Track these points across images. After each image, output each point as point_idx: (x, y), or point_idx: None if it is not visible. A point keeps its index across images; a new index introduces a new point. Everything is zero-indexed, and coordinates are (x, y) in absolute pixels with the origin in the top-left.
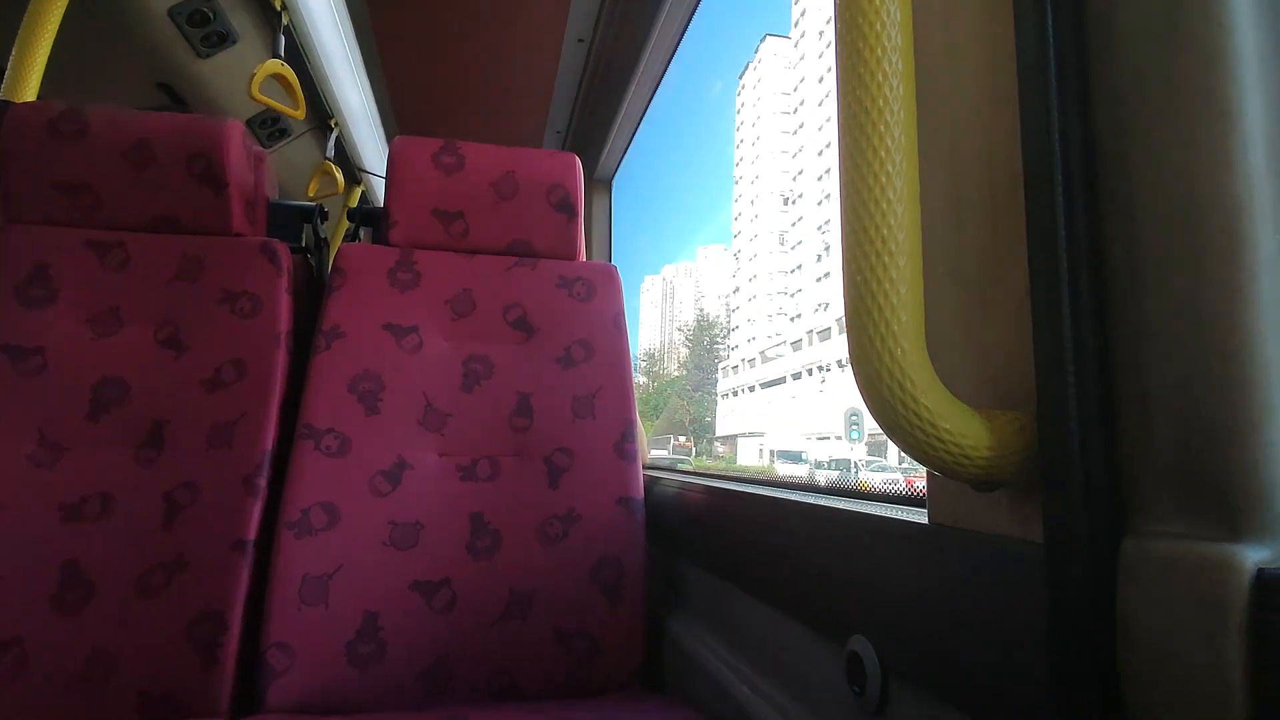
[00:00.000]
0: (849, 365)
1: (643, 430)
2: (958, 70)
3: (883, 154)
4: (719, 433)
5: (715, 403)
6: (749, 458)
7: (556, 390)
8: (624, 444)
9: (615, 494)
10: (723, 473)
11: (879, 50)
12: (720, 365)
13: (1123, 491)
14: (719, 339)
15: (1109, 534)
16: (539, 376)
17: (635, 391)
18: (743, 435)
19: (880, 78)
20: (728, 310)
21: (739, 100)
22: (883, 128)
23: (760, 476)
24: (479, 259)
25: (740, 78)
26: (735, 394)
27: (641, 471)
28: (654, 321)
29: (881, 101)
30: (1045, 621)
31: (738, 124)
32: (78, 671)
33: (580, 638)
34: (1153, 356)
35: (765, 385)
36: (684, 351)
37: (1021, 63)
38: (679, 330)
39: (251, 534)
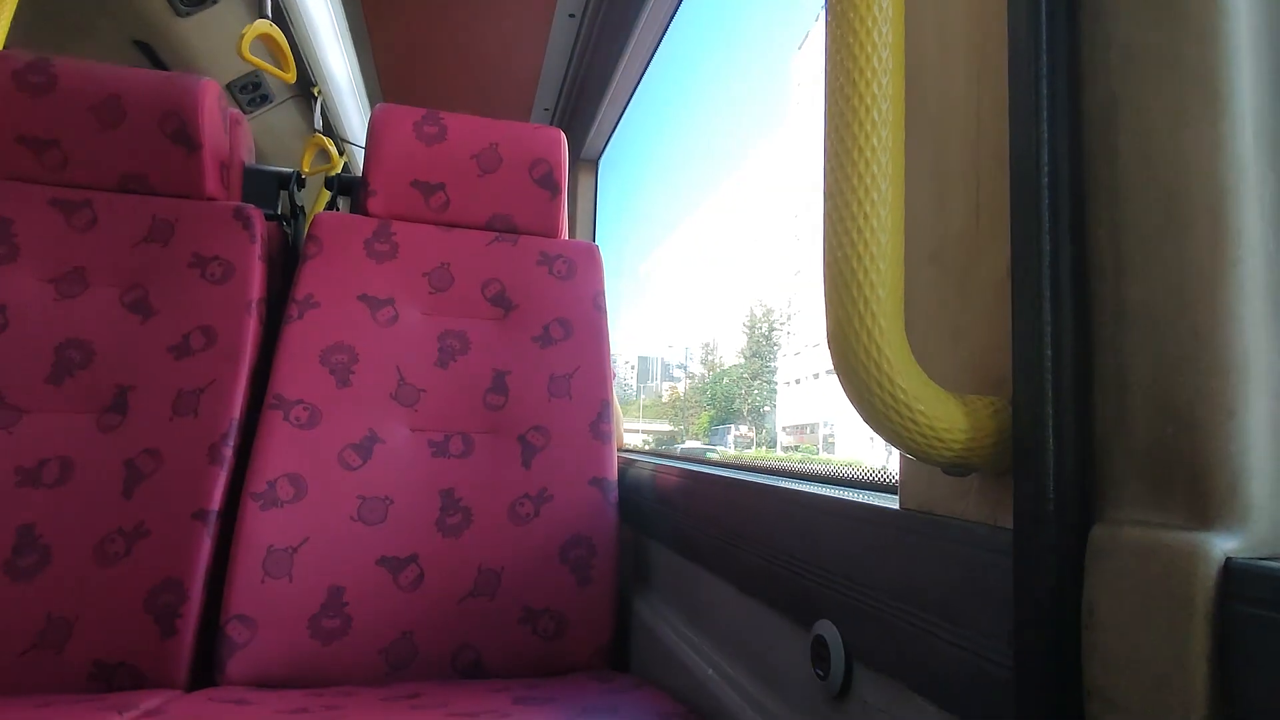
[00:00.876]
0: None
1: (619, 412)
2: (947, 46)
3: (868, 127)
4: (783, 422)
5: (774, 391)
6: (852, 449)
7: (533, 368)
8: (599, 424)
9: (588, 474)
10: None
11: (869, 23)
12: (779, 353)
13: (1095, 477)
14: (777, 325)
15: (1078, 520)
16: (516, 354)
17: (692, 382)
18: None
19: (869, 50)
20: (788, 296)
21: (795, 77)
22: (869, 101)
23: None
24: (458, 232)
25: (799, 48)
26: (798, 381)
27: (616, 453)
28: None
29: (870, 74)
30: (1011, 607)
31: (795, 100)
32: (31, 638)
33: (547, 616)
34: (1131, 341)
35: (830, 371)
36: (740, 339)
37: (1012, 40)
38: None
39: (215, 504)
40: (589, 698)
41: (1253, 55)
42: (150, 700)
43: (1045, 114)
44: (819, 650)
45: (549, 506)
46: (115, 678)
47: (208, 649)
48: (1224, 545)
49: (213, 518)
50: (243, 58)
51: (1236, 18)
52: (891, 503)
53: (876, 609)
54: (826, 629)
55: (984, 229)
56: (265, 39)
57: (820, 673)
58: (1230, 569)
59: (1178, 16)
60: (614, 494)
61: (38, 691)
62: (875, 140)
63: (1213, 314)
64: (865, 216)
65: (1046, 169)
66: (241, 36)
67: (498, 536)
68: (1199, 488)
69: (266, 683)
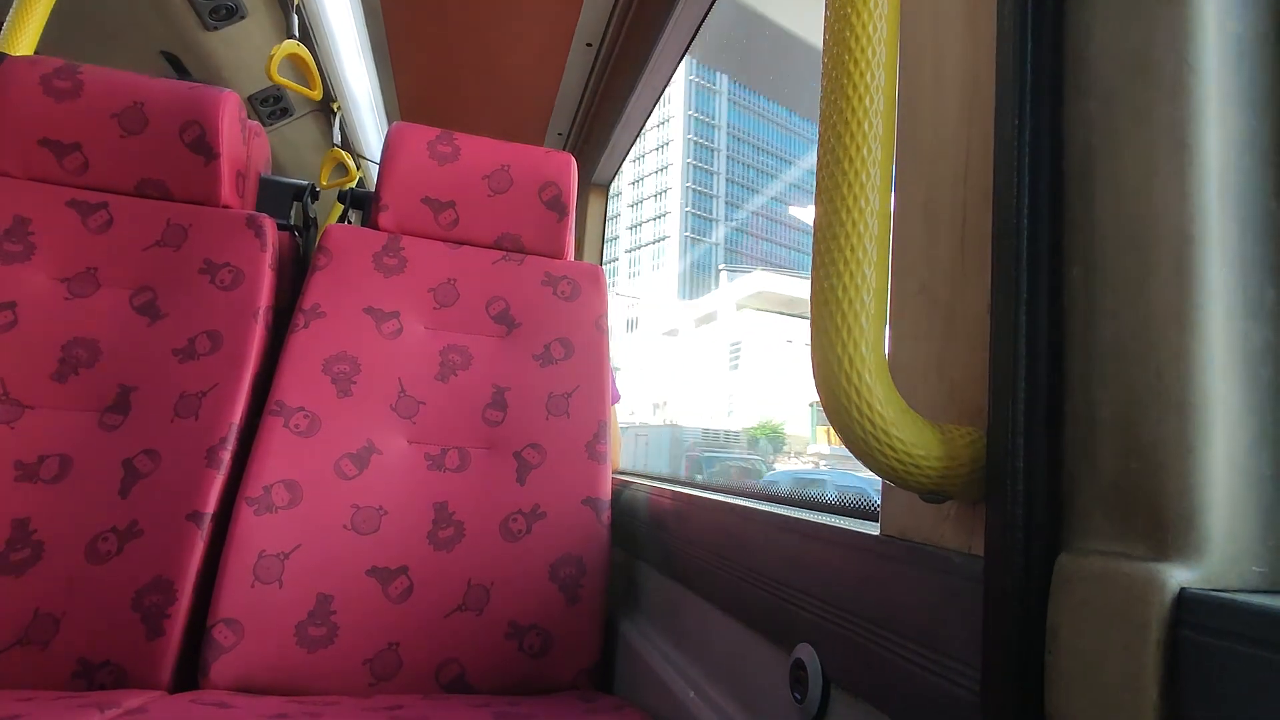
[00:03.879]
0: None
1: (618, 432)
2: (942, 91)
3: (858, 165)
4: None
5: None
6: None
7: (533, 386)
8: (595, 444)
9: (582, 493)
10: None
11: (863, 65)
12: None
13: (1062, 508)
14: None
15: (1045, 549)
16: (516, 371)
17: None
18: None
19: (862, 91)
20: None
21: None
22: (860, 138)
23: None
24: (466, 250)
25: None
26: None
27: (611, 474)
28: None
29: (862, 113)
30: (980, 633)
31: None
32: (16, 633)
33: (534, 633)
34: (1099, 378)
35: None
36: None
37: (999, 87)
38: None
39: (209, 506)
40: (570, 717)
41: (1220, 111)
42: (132, 700)
43: (1028, 159)
44: (797, 674)
45: (542, 524)
46: (98, 676)
47: (193, 651)
48: (1180, 576)
49: (206, 520)
50: (271, 78)
51: (1207, 75)
52: (873, 529)
53: (854, 633)
54: (806, 652)
55: (969, 265)
56: (293, 58)
57: (798, 696)
58: (1184, 599)
59: (1150, 72)
60: (607, 514)
61: (19, 688)
62: (864, 178)
63: (1175, 355)
64: (852, 249)
65: (1027, 211)
66: (270, 57)
67: (489, 552)
68: (1158, 520)
69: (250, 688)
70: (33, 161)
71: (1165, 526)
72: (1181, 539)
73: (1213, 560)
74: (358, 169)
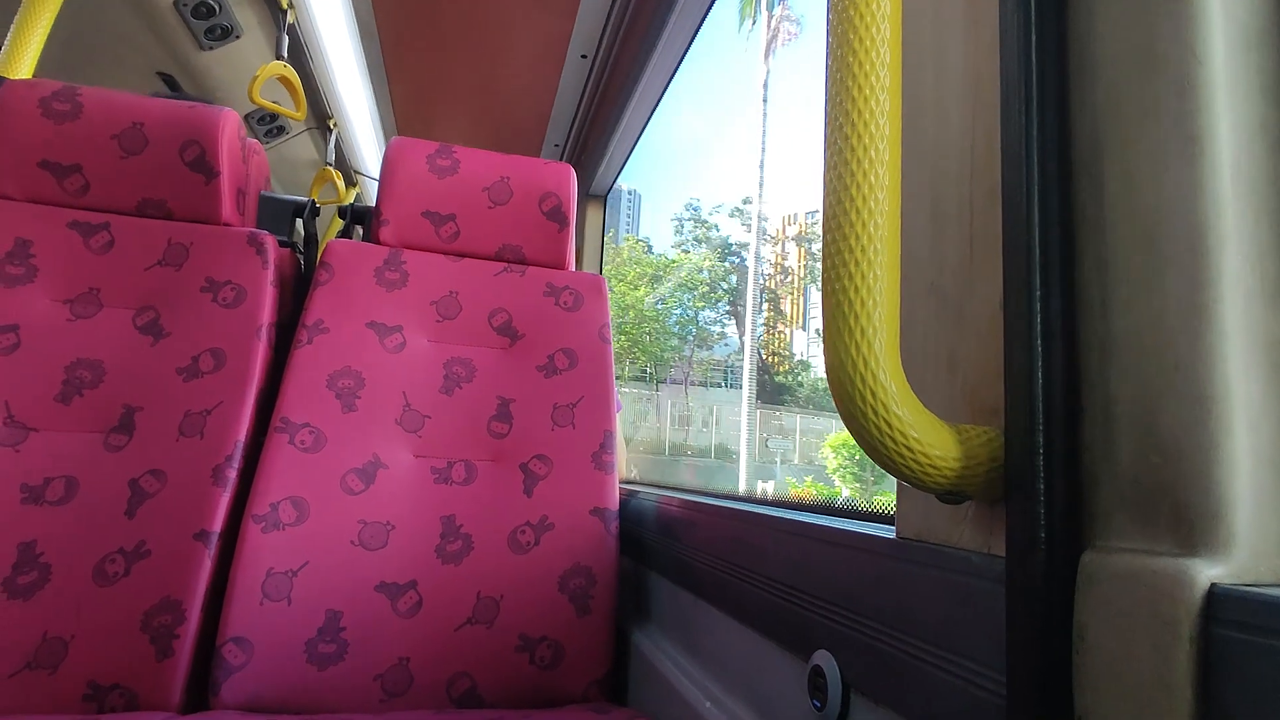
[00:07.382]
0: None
1: (622, 443)
2: (944, 89)
3: (866, 165)
4: None
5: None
6: None
7: (537, 397)
8: (602, 455)
9: (590, 504)
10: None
11: (867, 67)
12: None
13: (1084, 505)
14: None
15: (1069, 547)
16: (521, 383)
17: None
18: None
19: (868, 93)
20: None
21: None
22: (867, 139)
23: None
24: (467, 262)
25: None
26: None
27: (618, 483)
28: None
29: (868, 113)
30: (1004, 634)
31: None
32: (25, 657)
33: (545, 646)
34: (1117, 373)
35: None
36: None
37: (1004, 83)
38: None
39: (217, 525)
40: None
41: (1229, 101)
42: None
43: (1035, 153)
44: (816, 681)
45: (550, 535)
46: (109, 699)
47: (203, 671)
48: (1208, 572)
49: (214, 539)
50: (251, 100)
51: (1215, 66)
52: (888, 532)
53: (873, 638)
54: (824, 659)
55: (978, 262)
56: (280, 79)
57: (817, 704)
58: (1214, 595)
59: (1159, 64)
60: (615, 524)
61: (29, 712)
62: (873, 178)
63: (1193, 348)
64: (863, 250)
65: (1037, 206)
66: (254, 79)
67: (497, 564)
68: (1184, 516)
69: (260, 707)
70: (33, 184)
71: (1190, 522)
72: (1208, 534)
73: (1241, 554)
74: (353, 185)
